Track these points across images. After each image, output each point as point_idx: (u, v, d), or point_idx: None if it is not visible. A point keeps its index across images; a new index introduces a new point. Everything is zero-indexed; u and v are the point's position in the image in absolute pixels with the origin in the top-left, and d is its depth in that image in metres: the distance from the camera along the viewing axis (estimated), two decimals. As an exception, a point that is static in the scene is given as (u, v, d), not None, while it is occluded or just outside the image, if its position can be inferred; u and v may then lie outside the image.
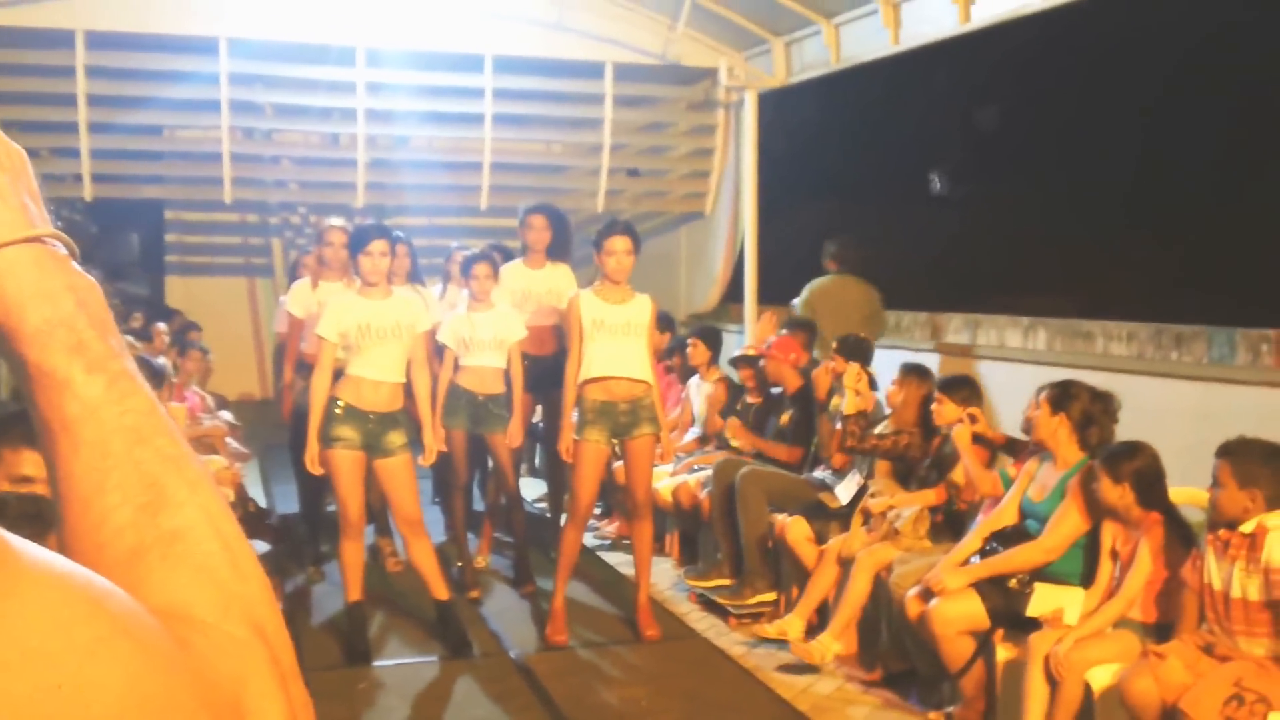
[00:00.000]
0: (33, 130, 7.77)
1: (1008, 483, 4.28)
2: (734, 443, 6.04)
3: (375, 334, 4.62)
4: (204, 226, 10.64)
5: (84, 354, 0.57)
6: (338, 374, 4.67)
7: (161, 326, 7.82)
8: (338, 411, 4.61)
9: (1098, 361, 5.63)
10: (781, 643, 4.98)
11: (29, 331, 0.57)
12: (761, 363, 6.06)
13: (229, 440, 6.62)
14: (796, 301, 6.64)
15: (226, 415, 7.36)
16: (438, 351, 5.52)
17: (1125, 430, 4.02)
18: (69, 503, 0.57)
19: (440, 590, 4.86)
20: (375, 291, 4.69)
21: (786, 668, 4.67)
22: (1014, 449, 4.56)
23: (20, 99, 7.56)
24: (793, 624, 4.71)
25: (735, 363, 6.38)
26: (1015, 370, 5.72)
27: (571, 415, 4.91)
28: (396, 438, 4.69)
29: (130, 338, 6.64)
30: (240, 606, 0.57)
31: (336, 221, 5.82)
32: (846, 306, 6.41)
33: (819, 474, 5.44)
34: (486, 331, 5.46)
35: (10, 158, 0.61)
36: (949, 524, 4.59)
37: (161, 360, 6.28)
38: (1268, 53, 10.20)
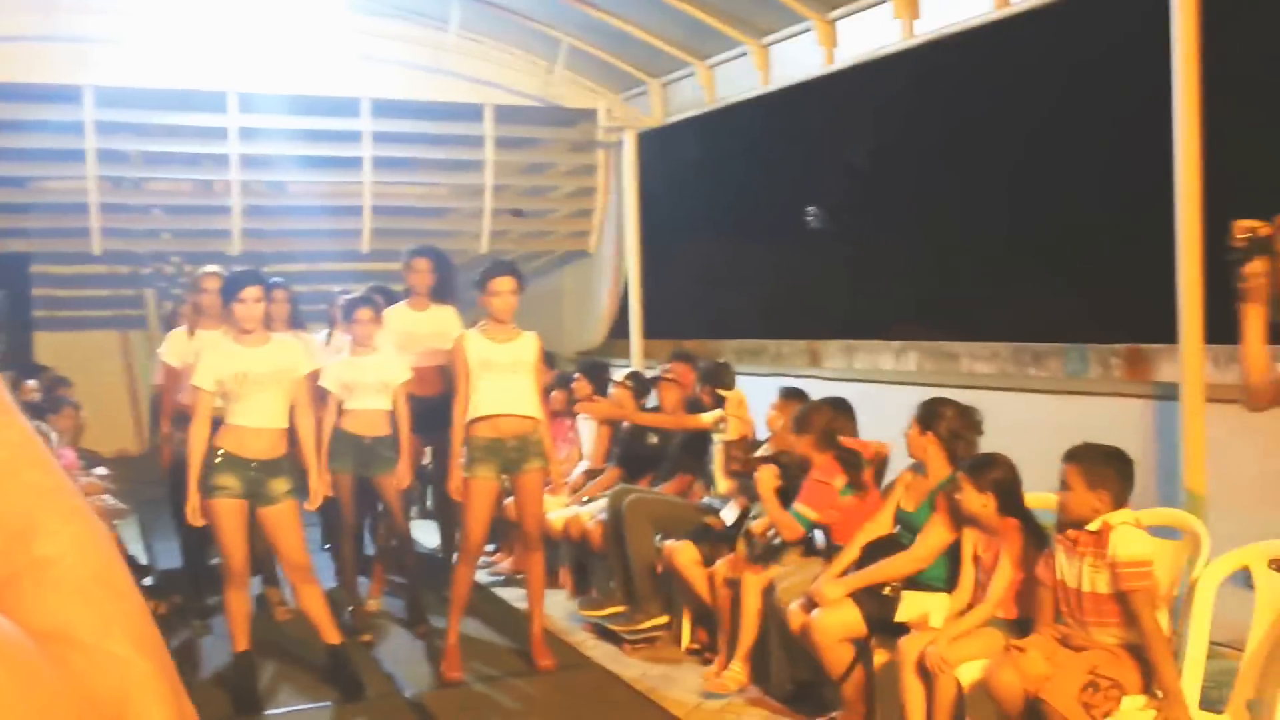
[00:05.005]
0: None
1: (804, 523, 4.55)
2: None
3: (254, 381, 4.59)
4: (73, 279, 10.33)
5: None
6: (217, 423, 4.62)
7: (31, 383, 7.57)
8: (218, 460, 4.55)
9: (963, 380, 5.92)
10: (674, 665, 5.08)
11: None
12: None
13: (104, 498, 6.43)
14: None
15: (100, 472, 7.15)
16: (321, 396, 5.50)
17: (989, 443, 4.23)
18: None
19: (331, 635, 4.82)
20: (252, 338, 4.66)
21: (678, 688, 4.77)
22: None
23: None
24: (738, 672, 4.63)
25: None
26: (890, 391, 5.98)
27: (460, 454, 4.95)
28: (280, 485, 4.65)
29: None
30: (120, 626, 0.57)
31: (212, 268, 5.75)
32: None
33: (707, 498, 5.58)
34: (370, 375, 5.47)
35: None
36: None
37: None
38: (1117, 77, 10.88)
